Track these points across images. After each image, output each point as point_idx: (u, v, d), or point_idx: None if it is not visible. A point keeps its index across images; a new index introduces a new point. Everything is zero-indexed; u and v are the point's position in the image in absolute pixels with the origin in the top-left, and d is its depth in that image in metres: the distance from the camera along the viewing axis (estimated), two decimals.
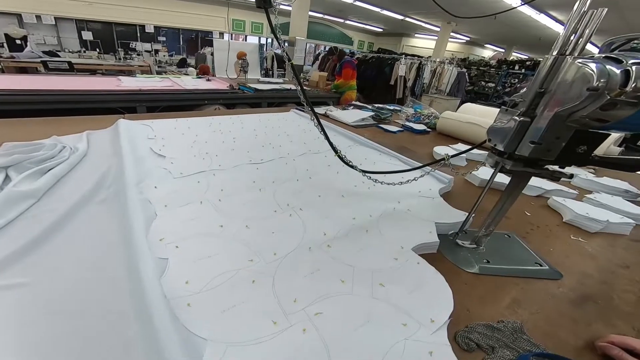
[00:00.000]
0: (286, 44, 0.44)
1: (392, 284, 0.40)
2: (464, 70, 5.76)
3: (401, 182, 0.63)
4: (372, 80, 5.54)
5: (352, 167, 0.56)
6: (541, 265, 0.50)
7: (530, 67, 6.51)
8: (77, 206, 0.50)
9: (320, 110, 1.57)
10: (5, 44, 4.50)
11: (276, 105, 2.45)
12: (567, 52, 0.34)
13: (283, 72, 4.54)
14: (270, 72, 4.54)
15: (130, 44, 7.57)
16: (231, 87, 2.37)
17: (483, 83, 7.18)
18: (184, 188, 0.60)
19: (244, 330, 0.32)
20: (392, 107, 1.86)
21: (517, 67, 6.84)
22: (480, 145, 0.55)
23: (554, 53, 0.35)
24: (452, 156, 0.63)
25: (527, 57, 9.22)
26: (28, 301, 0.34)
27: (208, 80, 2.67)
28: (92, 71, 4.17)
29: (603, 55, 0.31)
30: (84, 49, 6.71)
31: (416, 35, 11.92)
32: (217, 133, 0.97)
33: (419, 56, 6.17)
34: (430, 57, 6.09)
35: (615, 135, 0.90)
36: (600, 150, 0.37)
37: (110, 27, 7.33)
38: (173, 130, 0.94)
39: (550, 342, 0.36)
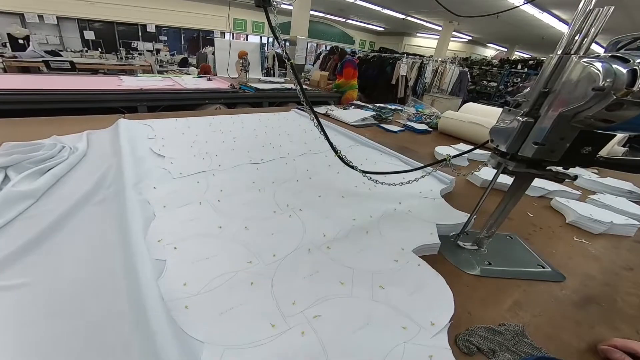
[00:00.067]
0: (286, 44, 0.43)
1: (392, 286, 0.40)
2: (466, 69, 5.73)
3: (402, 183, 0.62)
4: (373, 79, 5.53)
5: (352, 167, 0.56)
6: (544, 267, 0.50)
7: (533, 67, 6.47)
8: (76, 206, 0.50)
9: (321, 109, 1.56)
10: (7, 44, 4.52)
11: (277, 105, 2.45)
12: (572, 51, 0.33)
13: (284, 72, 4.54)
14: (272, 72, 4.54)
15: (132, 44, 7.59)
16: (232, 87, 2.37)
17: (485, 82, 7.15)
18: (184, 188, 0.59)
19: (241, 333, 0.32)
20: (393, 107, 1.86)
21: (519, 67, 6.80)
22: (482, 146, 0.55)
23: (559, 52, 0.34)
24: (454, 156, 0.62)
25: (529, 56, 9.17)
26: (26, 302, 0.34)
27: (209, 79, 2.67)
28: (94, 71, 4.18)
29: (609, 55, 0.30)
30: (86, 49, 6.74)
31: (418, 34, 11.87)
32: (217, 133, 0.97)
33: (420, 55, 6.15)
34: (432, 56, 6.07)
35: (619, 135, 0.89)
36: (604, 151, 0.37)
37: (112, 27, 7.35)
38: (173, 130, 0.94)
39: (553, 346, 0.36)
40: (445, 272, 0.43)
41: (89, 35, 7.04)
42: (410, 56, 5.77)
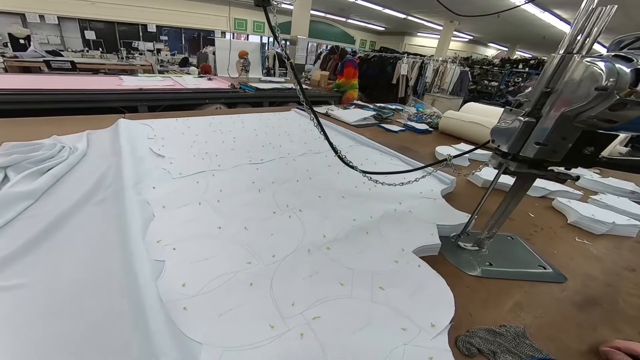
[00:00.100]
0: (287, 43, 0.43)
1: (392, 287, 0.40)
2: (467, 69, 5.71)
3: (402, 183, 0.62)
4: (374, 79, 5.52)
5: (352, 167, 0.55)
6: (545, 268, 0.49)
7: (534, 66, 6.46)
8: (75, 207, 0.50)
9: (321, 109, 1.56)
10: (9, 44, 4.53)
11: (278, 105, 2.45)
12: (575, 51, 0.33)
13: (285, 71, 4.54)
14: (272, 71, 4.54)
15: (133, 44, 7.60)
16: (232, 87, 2.37)
17: (486, 82, 7.14)
18: (183, 188, 0.59)
19: (240, 335, 0.31)
20: (394, 107, 1.85)
21: (520, 66, 6.79)
22: (483, 146, 0.54)
23: (561, 51, 0.34)
24: (455, 156, 0.62)
25: (531, 55, 9.15)
26: (24, 302, 0.33)
27: (209, 79, 2.67)
28: (94, 70, 4.19)
29: (612, 54, 0.30)
30: (87, 49, 6.76)
31: (418, 34, 11.86)
32: (217, 133, 0.97)
33: (421, 55, 6.13)
34: (432, 56, 6.05)
35: (621, 135, 0.88)
36: (606, 151, 0.36)
37: (113, 27, 7.36)
38: (173, 130, 0.94)
39: (554, 347, 0.35)
40: (445, 273, 0.43)
41: (90, 35, 7.06)
42: (411, 56, 5.77)
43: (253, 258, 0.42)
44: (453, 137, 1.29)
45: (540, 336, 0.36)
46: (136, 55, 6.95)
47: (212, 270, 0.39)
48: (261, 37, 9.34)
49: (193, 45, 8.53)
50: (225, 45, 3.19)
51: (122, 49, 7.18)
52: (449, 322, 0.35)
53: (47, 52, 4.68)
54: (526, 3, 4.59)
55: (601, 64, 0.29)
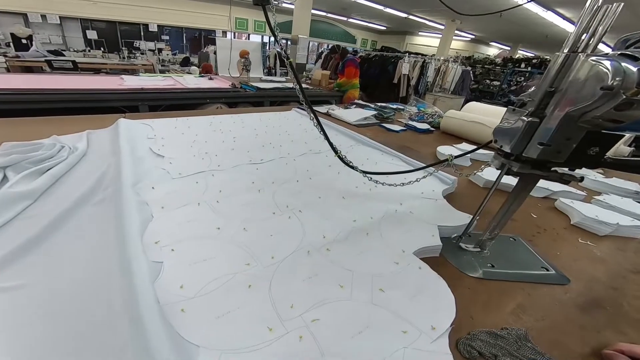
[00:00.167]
0: (288, 43, 0.43)
1: (392, 289, 0.39)
2: (469, 68, 5.69)
3: (403, 184, 0.62)
4: (375, 78, 5.51)
5: (352, 167, 0.55)
6: (548, 270, 0.49)
7: (536, 65, 6.43)
8: (74, 207, 0.50)
9: (322, 109, 1.55)
10: (11, 43, 4.55)
11: (278, 104, 2.45)
12: (579, 50, 0.32)
13: (286, 71, 4.53)
14: (273, 71, 4.54)
15: (134, 43, 7.62)
16: (233, 86, 2.37)
17: (488, 81, 7.11)
18: (182, 189, 0.59)
19: (238, 337, 0.31)
20: (395, 106, 1.84)
21: (523, 65, 6.76)
22: (485, 146, 0.54)
23: (565, 50, 0.33)
24: (457, 157, 0.62)
25: (533, 55, 9.10)
26: (23, 303, 0.33)
27: (210, 79, 2.67)
28: (96, 70, 4.20)
29: (618, 53, 0.29)
30: (88, 48, 6.78)
31: (420, 33, 11.82)
32: (218, 132, 0.96)
33: (422, 54, 6.12)
34: (434, 55, 6.03)
35: (625, 135, 0.87)
36: (610, 151, 0.36)
37: (114, 26, 7.39)
38: (173, 130, 0.93)
39: (556, 351, 0.35)
40: (446, 275, 0.42)
41: (92, 34, 7.08)
42: (412, 55, 5.75)
43: (252, 259, 0.42)
44: (454, 137, 1.28)
45: (543, 339, 0.36)
46: (137, 54, 6.96)
47: (210, 272, 0.39)
48: (262, 37, 9.33)
49: (194, 44, 8.55)
50: (226, 45, 3.19)
51: (123, 48, 7.19)
52: (449, 324, 0.35)
53: (49, 51, 4.70)
54: (528, 2, 4.56)
55: (607, 63, 0.29)
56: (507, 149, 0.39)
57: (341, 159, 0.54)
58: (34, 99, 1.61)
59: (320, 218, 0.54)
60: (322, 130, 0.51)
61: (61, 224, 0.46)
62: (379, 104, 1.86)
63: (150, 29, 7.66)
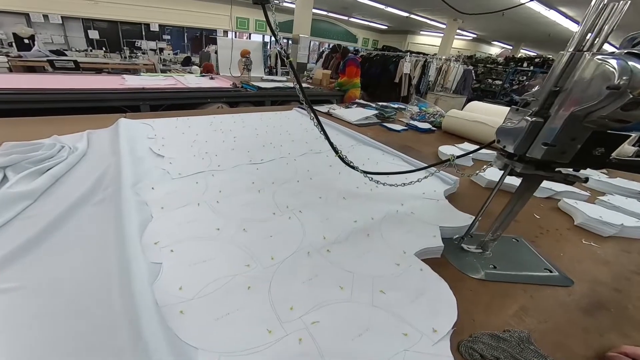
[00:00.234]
0: (289, 42, 0.42)
1: (393, 291, 0.39)
2: (471, 67, 5.66)
3: (404, 184, 0.61)
4: (376, 78, 5.49)
5: (352, 167, 0.54)
6: (551, 271, 0.48)
7: (539, 64, 6.39)
8: (74, 208, 0.50)
9: (323, 108, 1.55)
10: (13, 43, 4.57)
11: (279, 104, 2.45)
12: (585, 49, 0.32)
13: (287, 70, 4.53)
14: (274, 70, 4.54)
15: (136, 43, 7.63)
16: (234, 85, 2.37)
17: (490, 81, 7.08)
18: (182, 189, 0.59)
19: (237, 339, 0.31)
20: (396, 106, 1.83)
21: (525, 64, 6.72)
22: (488, 146, 0.53)
23: (570, 49, 0.33)
24: (459, 157, 0.61)
25: (535, 54, 9.04)
26: (23, 303, 0.33)
27: (211, 78, 2.67)
28: (98, 70, 4.20)
29: (625, 51, 0.29)
30: (90, 48, 6.80)
31: (421, 32, 11.77)
32: (218, 132, 0.96)
33: (424, 54, 6.09)
34: (435, 54, 6.00)
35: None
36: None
37: (116, 26, 7.40)
38: (174, 130, 0.93)
39: (560, 353, 0.34)
40: (448, 277, 0.42)
41: (93, 34, 7.11)
42: (413, 54, 5.72)
43: (252, 260, 0.42)
44: (456, 137, 1.27)
45: (546, 341, 0.35)
46: (139, 54, 6.99)
47: (209, 273, 0.38)
48: (263, 36, 9.33)
49: (195, 44, 8.56)
50: (227, 44, 3.19)
51: (125, 48, 7.23)
52: (451, 327, 0.34)
53: (51, 51, 4.71)
54: (530, 1, 4.52)
55: (613, 62, 0.28)
56: (510, 149, 0.39)
57: (342, 159, 0.54)
58: (37, 99, 1.61)
59: (320, 218, 0.53)
60: (323, 130, 0.51)
61: (61, 224, 0.46)
62: (380, 103, 1.85)
63: (151, 29, 7.67)
